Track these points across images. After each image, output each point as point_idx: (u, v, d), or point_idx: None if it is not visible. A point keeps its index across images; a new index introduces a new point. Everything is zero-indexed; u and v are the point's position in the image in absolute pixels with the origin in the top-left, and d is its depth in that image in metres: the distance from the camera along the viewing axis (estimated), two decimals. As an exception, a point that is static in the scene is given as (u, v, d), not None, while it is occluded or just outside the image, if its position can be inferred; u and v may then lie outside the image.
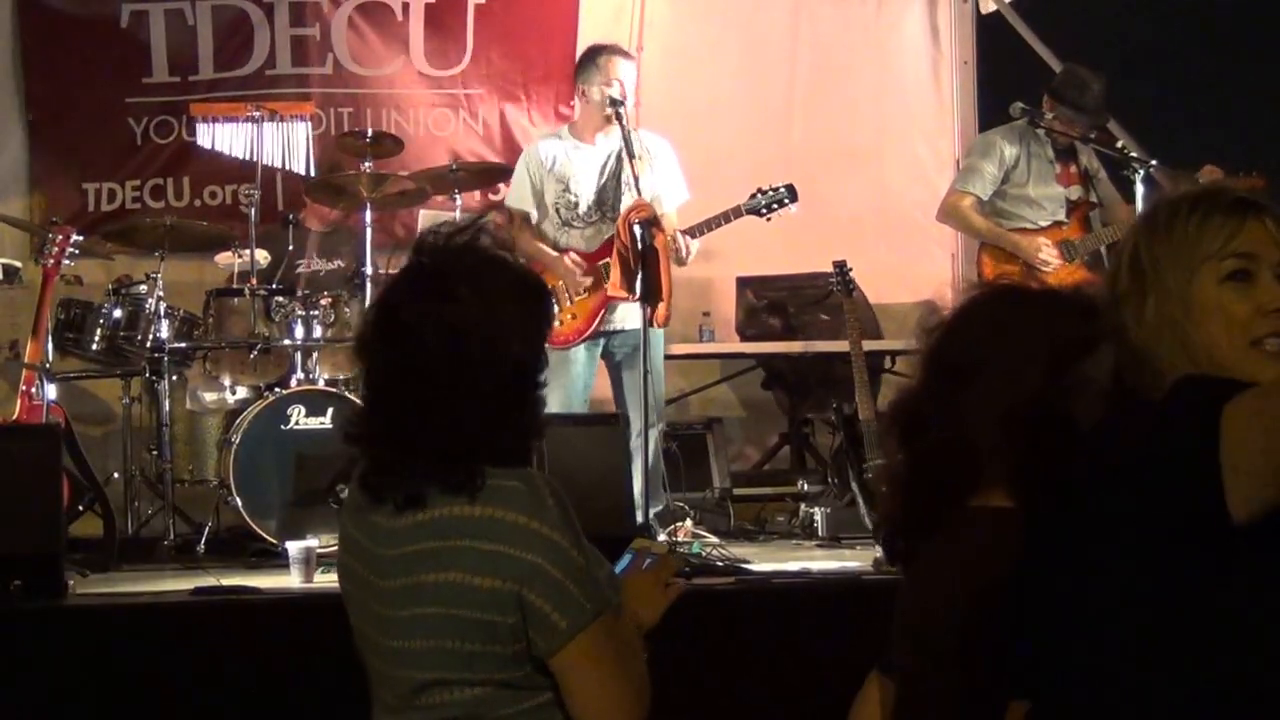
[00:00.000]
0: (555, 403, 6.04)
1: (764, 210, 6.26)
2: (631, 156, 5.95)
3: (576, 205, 6.26)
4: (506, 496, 2.16)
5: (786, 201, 6.26)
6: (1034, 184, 6.73)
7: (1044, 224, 6.71)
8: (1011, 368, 2.20)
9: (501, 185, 7.39)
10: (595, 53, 6.38)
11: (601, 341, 6.23)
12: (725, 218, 6.25)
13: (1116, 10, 7.57)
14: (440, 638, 2.17)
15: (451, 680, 2.18)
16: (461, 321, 2.17)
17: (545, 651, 2.16)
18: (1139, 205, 6.32)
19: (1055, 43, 7.81)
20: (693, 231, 6.16)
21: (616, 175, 6.13)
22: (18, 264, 6.55)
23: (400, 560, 2.22)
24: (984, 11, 8.19)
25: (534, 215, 6.33)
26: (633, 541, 2.49)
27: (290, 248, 6.73)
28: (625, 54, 6.38)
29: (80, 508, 5.62)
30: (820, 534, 6.32)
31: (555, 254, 6.20)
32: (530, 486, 2.17)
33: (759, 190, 6.27)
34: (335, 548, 5.56)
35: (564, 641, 2.14)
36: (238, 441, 5.87)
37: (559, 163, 6.30)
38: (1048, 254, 6.61)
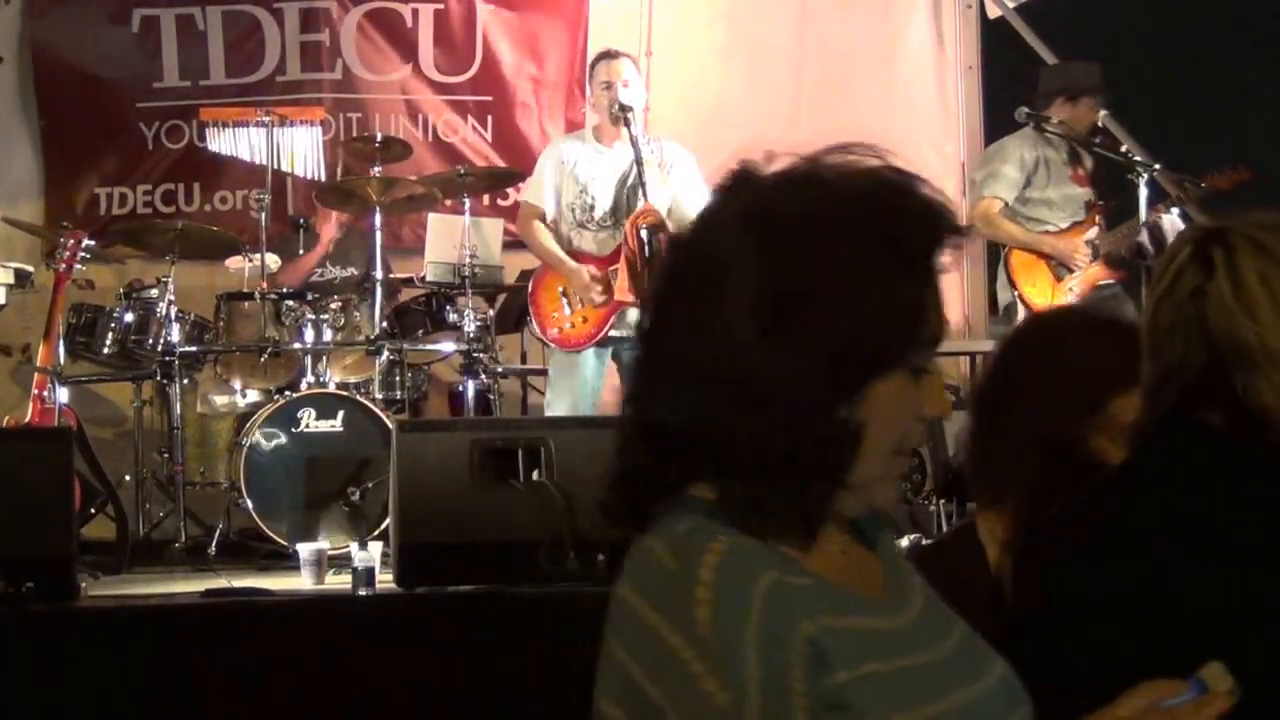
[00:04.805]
0: (563, 406, 6.08)
1: None
2: (639, 161, 5.97)
3: (592, 208, 6.22)
4: None
5: None
6: (1053, 186, 6.72)
7: (1064, 225, 6.68)
8: (1048, 398, 2.17)
9: (510, 190, 7.44)
10: (593, 62, 6.45)
11: (611, 347, 6.24)
12: None
13: (1120, 14, 7.59)
14: None
15: None
16: None
17: None
18: (1143, 210, 6.33)
19: (1060, 47, 7.83)
20: None
21: (635, 182, 6.12)
22: (29, 268, 6.57)
23: None
24: (991, 16, 8.21)
25: (550, 212, 6.29)
26: (1201, 669, 1.55)
27: (301, 252, 6.78)
28: (614, 55, 6.33)
29: (92, 510, 5.64)
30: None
31: (574, 265, 6.14)
32: None
33: None
34: (345, 550, 5.58)
35: None
36: (249, 444, 5.91)
37: (579, 165, 6.26)
38: (1082, 256, 6.60)
